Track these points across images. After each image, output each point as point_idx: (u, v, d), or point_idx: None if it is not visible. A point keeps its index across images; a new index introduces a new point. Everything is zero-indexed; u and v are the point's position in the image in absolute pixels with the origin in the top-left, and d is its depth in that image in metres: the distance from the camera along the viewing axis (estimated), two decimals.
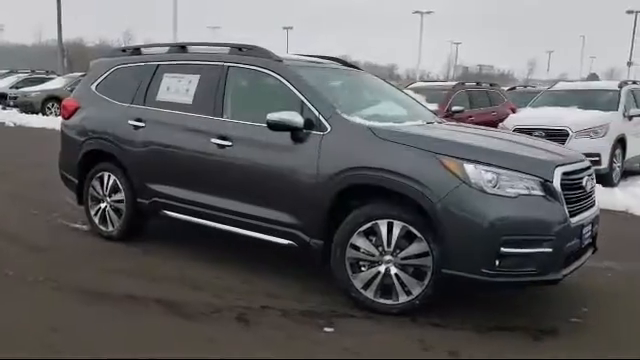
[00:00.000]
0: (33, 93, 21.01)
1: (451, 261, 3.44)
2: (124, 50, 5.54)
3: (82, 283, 4.15)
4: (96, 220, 5.33)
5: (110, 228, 5.23)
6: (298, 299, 3.96)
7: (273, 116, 3.92)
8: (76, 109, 5.50)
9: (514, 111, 13.11)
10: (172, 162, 4.71)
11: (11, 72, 26.46)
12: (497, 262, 3.37)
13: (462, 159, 3.47)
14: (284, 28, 70.55)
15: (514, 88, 17.77)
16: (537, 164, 3.59)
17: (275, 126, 3.93)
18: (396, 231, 3.56)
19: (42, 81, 23.15)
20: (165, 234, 5.47)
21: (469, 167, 3.44)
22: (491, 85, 13.31)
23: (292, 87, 4.14)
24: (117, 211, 5.17)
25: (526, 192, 3.45)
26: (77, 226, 5.73)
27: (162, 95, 4.92)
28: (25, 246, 5.00)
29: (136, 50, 5.39)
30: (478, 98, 12.21)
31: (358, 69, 5.32)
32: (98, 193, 5.28)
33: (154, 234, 5.45)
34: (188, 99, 4.70)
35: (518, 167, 3.51)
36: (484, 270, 3.37)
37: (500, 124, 9.82)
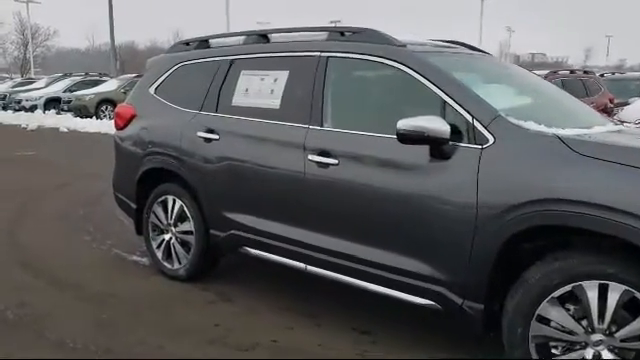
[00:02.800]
0: (87, 96, 20.53)
1: None
2: (188, 43, 4.48)
3: (143, 354, 3.11)
4: (159, 255, 4.30)
5: (176, 265, 4.19)
6: None
7: (406, 123, 2.75)
8: (132, 117, 4.48)
9: (612, 102, 11.54)
10: (255, 185, 3.62)
11: (65, 75, 26.24)
12: None
13: None
14: (331, 22, 69.36)
15: (602, 75, 16.02)
16: None
17: (408, 137, 2.76)
18: (613, 298, 2.33)
19: (95, 84, 22.68)
20: (247, 272, 4.40)
21: None
22: (585, 72, 11.78)
23: (428, 82, 2.96)
24: (185, 245, 4.13)
25: None
26: (135, 259, 4.73)
27: (239, 98, 3.83)
28: (69, 289, 4.01)
29: (203, 42, 4.33)
30: (573, 88, 10.75)
31: (489, 54, 4.08)
32: (161, 221, 4.26)
33: (231, 270, 4.39)
34: (274, 103, 3.60)
35: None
36: None
37: (616, 117, 8.39)
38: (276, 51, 3.75)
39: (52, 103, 21.64)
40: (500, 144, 2.65)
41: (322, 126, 3.33)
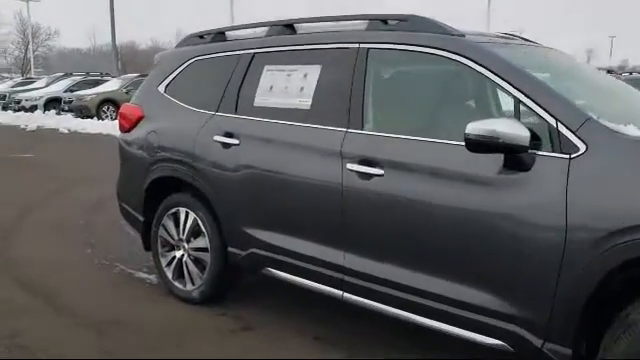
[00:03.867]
0: (88, 96, 20.06)
1: None
2: (202, 36, 3.99)
3: None
4: (169, 274, 3.82)
5: (189, 286, 3.71)
6: None
7: (477, 127, 2.26)
8: (139, 119, 4.00)
9: None
10: (281, 198, 3.14)
11: (65, 75, 25.75)
12: None
13: None
14: None
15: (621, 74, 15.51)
16: None
17: (480, 144, 2.28)
18: None
19: (97, 83, 22.22)
20: (267, 292, 3.92)
21: None
22: (608, 72, 11.28)
23: (497, 78, 2.46)
24: (199, 263, 3.64)
25: None
26: (142, 276, 4.25)
27: (263, 98, 3.35)
28: (68, 315, 3.53)
29: (219, 35, 3.84)
30: None
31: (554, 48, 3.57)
32: (172, 237, 3.78)
33: (250, 290, 3.91)
34: (304, 102, 3.12)
35: None
36: None
37: None
38: (306, 43, 3.26)
39: (52, 103, 21.23)
40: (593, 153, 2.16)
41: (362, 129, 2.85)
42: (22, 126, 16.93)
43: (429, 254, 2.56)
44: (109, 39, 30.18)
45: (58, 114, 19.72)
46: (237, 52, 3.57)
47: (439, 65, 2.74)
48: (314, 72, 3.11)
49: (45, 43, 59.82)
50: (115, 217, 4.88)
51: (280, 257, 3.17)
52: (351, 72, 2.94)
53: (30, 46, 52.46)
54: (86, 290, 3.95)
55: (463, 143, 2.33)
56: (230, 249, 3.45)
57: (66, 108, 20.19)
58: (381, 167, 2.69)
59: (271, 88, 3.32)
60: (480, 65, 2.52)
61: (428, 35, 2.76)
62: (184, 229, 3.70)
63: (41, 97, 21.91)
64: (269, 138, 3.23)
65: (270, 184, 3.18)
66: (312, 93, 3.09)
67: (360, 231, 2.79)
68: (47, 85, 24.35)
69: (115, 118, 19.25)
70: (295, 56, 3.27)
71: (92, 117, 18.87)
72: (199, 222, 3.60)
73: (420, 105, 2.88)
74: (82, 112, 19.33)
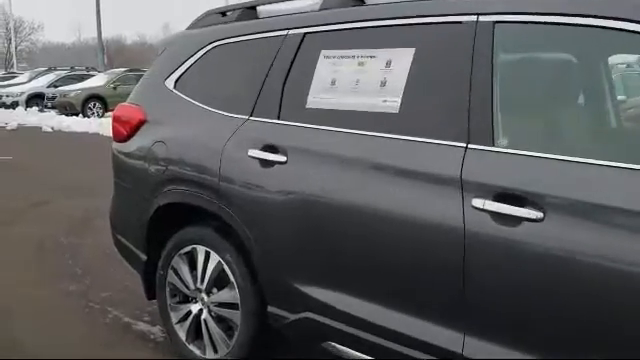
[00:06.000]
0: (73, 92, 18.94)
1: None
2: (224, 13, 2.98)
3: None
4: (181, 334, 2.81)
5: (209, 354, 2.70)
6: None
7: None
8: (140, 123, 2.98)
9: None
10: (354, 242, 2.15)
11: (49, 70, 24.51)
12: None
13: None
14: None
15: None
16: None
17: None
18: None
19: (82, 78, 21.14)
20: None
21: None
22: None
23: None
24: (223, 322, 2.64)
25: None
26: (142, 328, 3.26)
27: (320, 96, 2.35)
28: None
29: (249, 11, 2.83)
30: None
31: None
32: (186, 285, 2.77)
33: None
34: (389, 103, 2.12)
35: None
36: None
37: None
38: (388, 17, 2.25)
39: (35, 99, 20.17)
40: None
41: (493, 144, 1.86)
42: (2, 124, 15.80)
43: (619, 341, 1.59)
44: (95, 33, 29.68)
45: (41, 111, 18.65)
46: (278, 33, 2.56)
47: (624, 46, 1.76)
48: (404, 59, 2.12)
49: (29, 37, 58.29)
50: (107, 237, 3.87)
51: (352, 330, 2.17)
52: (467, 58, 1.95)
53: (13, 40, 50.86)
54: (67, 353, 2.94)
55: None
56: (271, 309, 2.45)
57: (49, 105, 19.14)
58: (539, 208, 1.71)
59: (333, 83, 2.32)
60: None
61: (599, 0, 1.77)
62: (203, 276, 2.69)
63: (23, 93, 20.78)
64: (333, 154, 2.24)
65: (337, 221, 2.19)
66: (402, 89, 2.09)
67: (495, 306, 1.81)
68: (29, 80, 23.16)
69: (102, 115, 18.21)
70: (371, 36, 2.28)
71: (77, 114, 17.85)
72: (225, 267, 2.59)
73: (591, 108, 1.90)
74: (66, 109, 18.30)
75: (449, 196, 1.87)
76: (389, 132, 2.10)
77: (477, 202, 1.81)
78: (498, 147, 1.85)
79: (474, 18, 1.98)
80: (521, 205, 1.73)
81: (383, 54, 2.19)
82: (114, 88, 18.59)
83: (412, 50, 2.10)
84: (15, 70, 37.26)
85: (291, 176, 2.32)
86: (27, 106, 19.73)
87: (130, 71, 20.05)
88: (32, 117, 16.91)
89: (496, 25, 1.93)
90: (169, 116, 2.89)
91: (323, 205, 2.23)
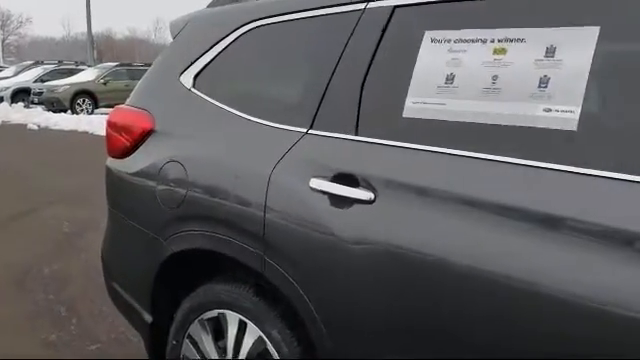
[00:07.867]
0: (61, 87, 18.04)
1: None
2: None
3: None
4: None
5: None
6: None
7: None
8: (145, 134, 2.17)
9: None
10: (486, 318, 1.35)
11: (36, 63, 23.50)
12: None
13: None
14: None
15: None
16: None
17: None
18: None
19: (71, 73, 20.26)
20: None
21: None
22: None
23: None
24: None
25: None
26: None
27: (424, 101, 1.55)
28: None
29: None
30: None
31: None
32: None
33: None
34: (560, 113, 1.33)
35: None
36: None
37: None
38: None
39: (21, 95, 19.20)
40: None
41: None
42: None
43: None
44: (84, 28, 28.89)
45: (27, 107, 17.67)
46: (353, 7, 1.76)
47: None
48: (580, 43, 1.32)
49: (17, 31, 57.05)
50: (98, 260, 3.06)
51: None
52: None
53: (0, 33, 49.70)
54: None
55: None
56: None
57: (36, 100, 18.20)
58: None
59: (449, 80, 1.52)
60: None
61: None
62: (236, 353, 1.89)
63: (7, 88, 19.80)
64: (452, 194, 1.43)
65: (455, 293, 1.40)
66: (581, 93, 1.30)
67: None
68: (15, 74, 22.14)
69: (92, 112, 17.35)
70: (516, 7, 1.48)
71: (65, 111, 17.02)
72: (269, 345, 1.79)
73: None
74: (54, 105, 17.42)
75: None
76: (557, 161, 1.30)
77: None
78: None
79: None
80: None
81: (540, 36, 1.39)
82: (104, 83, 17.79)
83: (596, 30, 1.31)
84: (1, 64, 36.21)
85: (382, 223, 1.52)
86: (12, 102, 18.79)
87: (121, 65, 19.20)
88: (17, 114, 15.95)
89: None
90: (186, 125, 2.08)
91: (433, 269, 1.43)
